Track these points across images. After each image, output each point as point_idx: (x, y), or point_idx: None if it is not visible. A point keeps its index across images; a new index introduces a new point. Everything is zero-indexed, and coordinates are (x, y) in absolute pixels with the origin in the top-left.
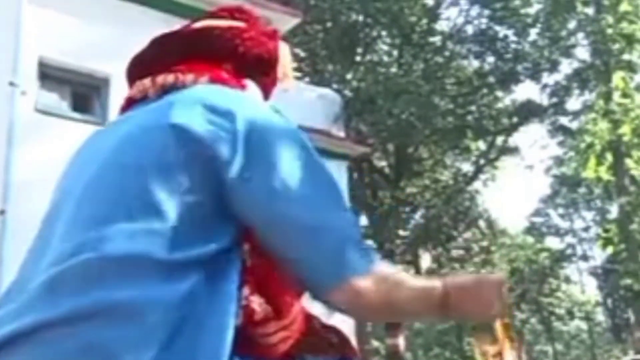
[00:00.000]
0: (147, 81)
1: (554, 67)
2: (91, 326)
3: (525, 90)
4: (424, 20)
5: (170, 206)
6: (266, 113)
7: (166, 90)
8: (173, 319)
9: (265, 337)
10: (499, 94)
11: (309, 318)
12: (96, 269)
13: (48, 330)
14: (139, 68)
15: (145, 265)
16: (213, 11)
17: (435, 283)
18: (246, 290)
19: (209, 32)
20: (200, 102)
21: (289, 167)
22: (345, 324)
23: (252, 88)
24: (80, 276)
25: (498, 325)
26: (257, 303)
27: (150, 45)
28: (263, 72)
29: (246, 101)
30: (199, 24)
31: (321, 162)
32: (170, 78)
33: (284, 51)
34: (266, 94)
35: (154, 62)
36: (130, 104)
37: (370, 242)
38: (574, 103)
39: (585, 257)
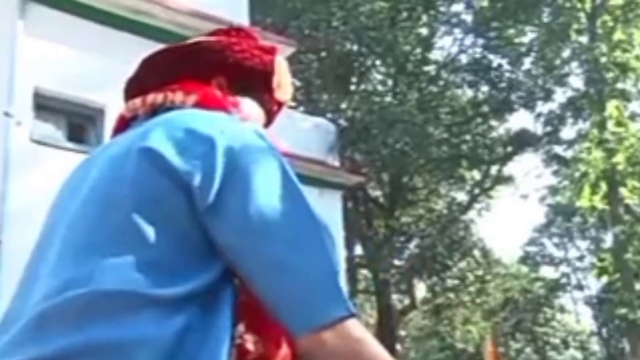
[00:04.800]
0: (137, 100)
1: (548, 96)
2: None
3: (520, 119)
4: (418, 50)
5: (158, 237)
6: (248, 139)
7: (156, 109)
8: (163, 358)
9: None
10: (493, 123)
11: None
12: (84, 306)
13: None
14: (133, 87)
15: (134, 301)
16: (210, 31)
17: None
18: (241, 328)
19: (198, 46)
20: (178, 129)
21: (267, 198)
22: None
23: (246, 104)
24: (67, 314)
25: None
26: (251, 342)
27: (143, 63)
28: (259, 86)
29: (227, 126)
30: (190, 40)
31: (304, 195)
32: (159, 97)
33: (281, 64)
34: (268, 111)
35: (147, 80)
36: (122, 123)
37: (365, 272)
38: (568, 132)
39: (580, 287)
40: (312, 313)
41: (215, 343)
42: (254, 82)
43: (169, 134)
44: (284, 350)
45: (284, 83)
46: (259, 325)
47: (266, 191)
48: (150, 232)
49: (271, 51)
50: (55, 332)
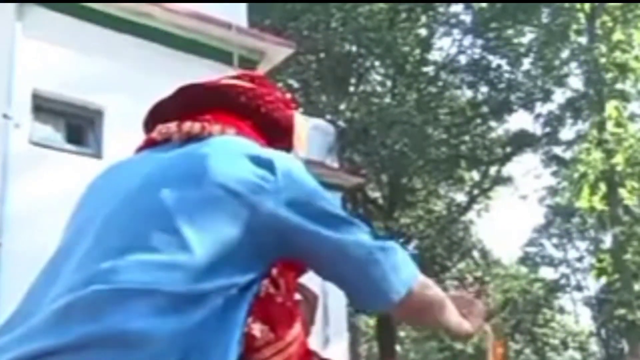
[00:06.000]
0: (172, 125)
1: (547, 96)
2: (95, 354)
3: (519, 120)
4: (417, 51)
5: (200, 245)
6: (292, 161)
7: (190, 137)
8: (179, 348)
9: None
10: (493, 123)
11: (309, 352)
12: (105, 299)
13: (52, 357)
14: (162, 113)
15: (156, 297)
16: (234, 74)
17: None
18: (250, 318)
19: (234, 89)
20: (241, 154)
21: (328, 206)
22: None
23: None
24: (89, 306)
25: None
26: (258, 329)
27: (175, 93)
28: (278, 137)
29: (276, 152)
30: (223, 81)
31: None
32: (197, 127)
33: (299, 120)
34: None
35: (179, 109)
36: (150, 143)
37: None
38: (567, 133)
39: (579, 287)
40: (407, 276)
41: (228, 334)
42: (274, 132)
43: (235, 161)
44: (296, 329)
45: (303, 138)
46: (268, 314)
47: (326, 203)
48: (192, 240)
49: (290, 105)
50: (74, 324)
